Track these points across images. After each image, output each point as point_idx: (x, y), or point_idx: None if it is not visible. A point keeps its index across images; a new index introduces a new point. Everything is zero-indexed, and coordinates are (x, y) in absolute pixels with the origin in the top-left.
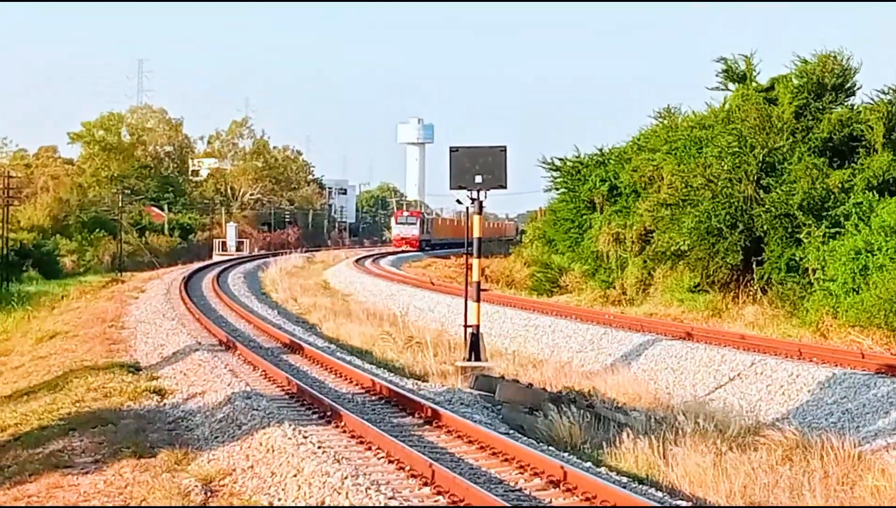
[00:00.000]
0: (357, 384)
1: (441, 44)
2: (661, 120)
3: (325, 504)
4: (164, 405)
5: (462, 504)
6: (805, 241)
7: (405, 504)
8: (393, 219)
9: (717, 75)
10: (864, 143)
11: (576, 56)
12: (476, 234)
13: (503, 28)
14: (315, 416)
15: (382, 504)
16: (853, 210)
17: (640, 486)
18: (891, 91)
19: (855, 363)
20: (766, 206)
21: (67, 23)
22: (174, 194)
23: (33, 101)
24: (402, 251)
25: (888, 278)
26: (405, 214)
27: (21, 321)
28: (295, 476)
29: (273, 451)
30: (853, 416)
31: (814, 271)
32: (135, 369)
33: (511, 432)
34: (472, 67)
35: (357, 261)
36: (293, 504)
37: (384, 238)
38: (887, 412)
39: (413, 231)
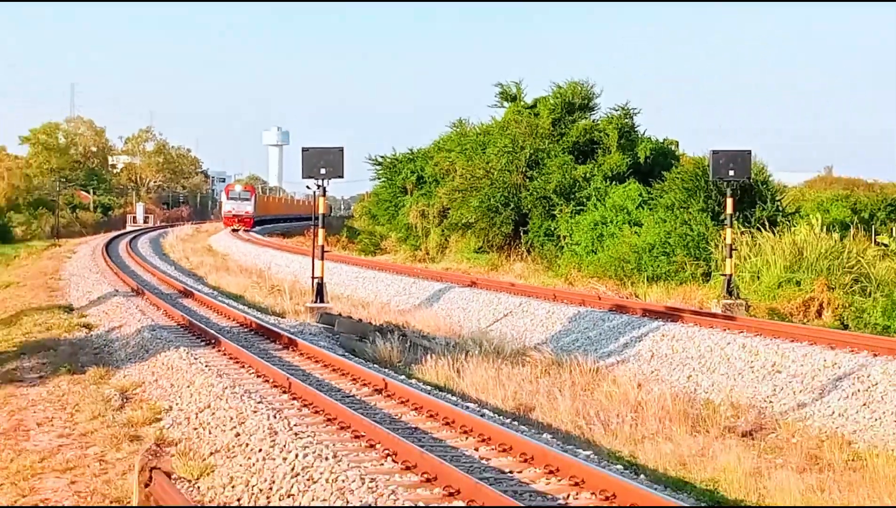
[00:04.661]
0: (234, 320)
1: (296, 61)
2: (455, 128)
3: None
4: (91, 335)
5: (310, 405)
6: (558, 216)
7: (269, 406)
8: (223, 194)
9: (495, 96)
10: (602, 146)
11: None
12: (321, 211)
13: (349, 47)
14: (203, 343)
15: (252, 407)
16: (593, 194)
17: (440, 392)
18: (620, 109)
19: (594, 303)
20: (530, 191)
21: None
22: (98, 182)
23: None
24: (236, 231)
25: (616, 243)
26: (238, 188)
27: None
28: (188, 386)
29: (172, 368)
30: (593, 341)
31: (564, 237)
32: (69, 309)
33: (346, 354)
34: (319, 81)
35: (233, 231)
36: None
37: None
38: (617, 338)
39: (247, 207)
